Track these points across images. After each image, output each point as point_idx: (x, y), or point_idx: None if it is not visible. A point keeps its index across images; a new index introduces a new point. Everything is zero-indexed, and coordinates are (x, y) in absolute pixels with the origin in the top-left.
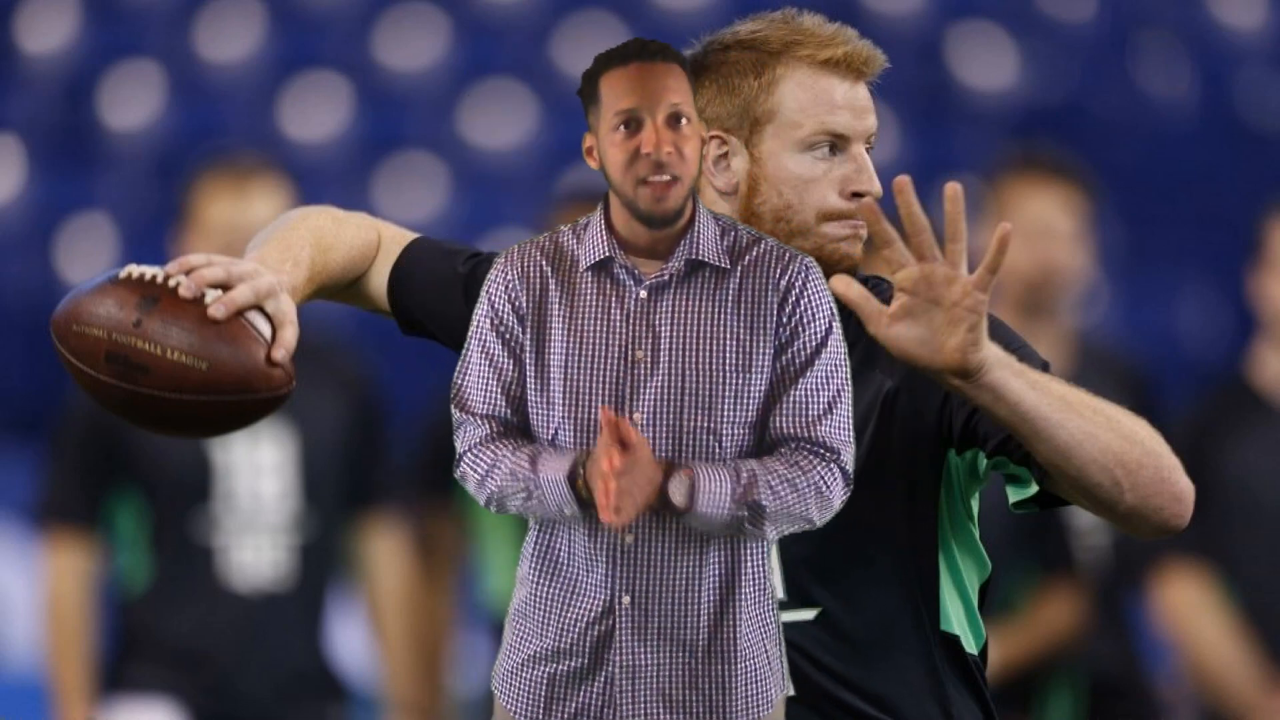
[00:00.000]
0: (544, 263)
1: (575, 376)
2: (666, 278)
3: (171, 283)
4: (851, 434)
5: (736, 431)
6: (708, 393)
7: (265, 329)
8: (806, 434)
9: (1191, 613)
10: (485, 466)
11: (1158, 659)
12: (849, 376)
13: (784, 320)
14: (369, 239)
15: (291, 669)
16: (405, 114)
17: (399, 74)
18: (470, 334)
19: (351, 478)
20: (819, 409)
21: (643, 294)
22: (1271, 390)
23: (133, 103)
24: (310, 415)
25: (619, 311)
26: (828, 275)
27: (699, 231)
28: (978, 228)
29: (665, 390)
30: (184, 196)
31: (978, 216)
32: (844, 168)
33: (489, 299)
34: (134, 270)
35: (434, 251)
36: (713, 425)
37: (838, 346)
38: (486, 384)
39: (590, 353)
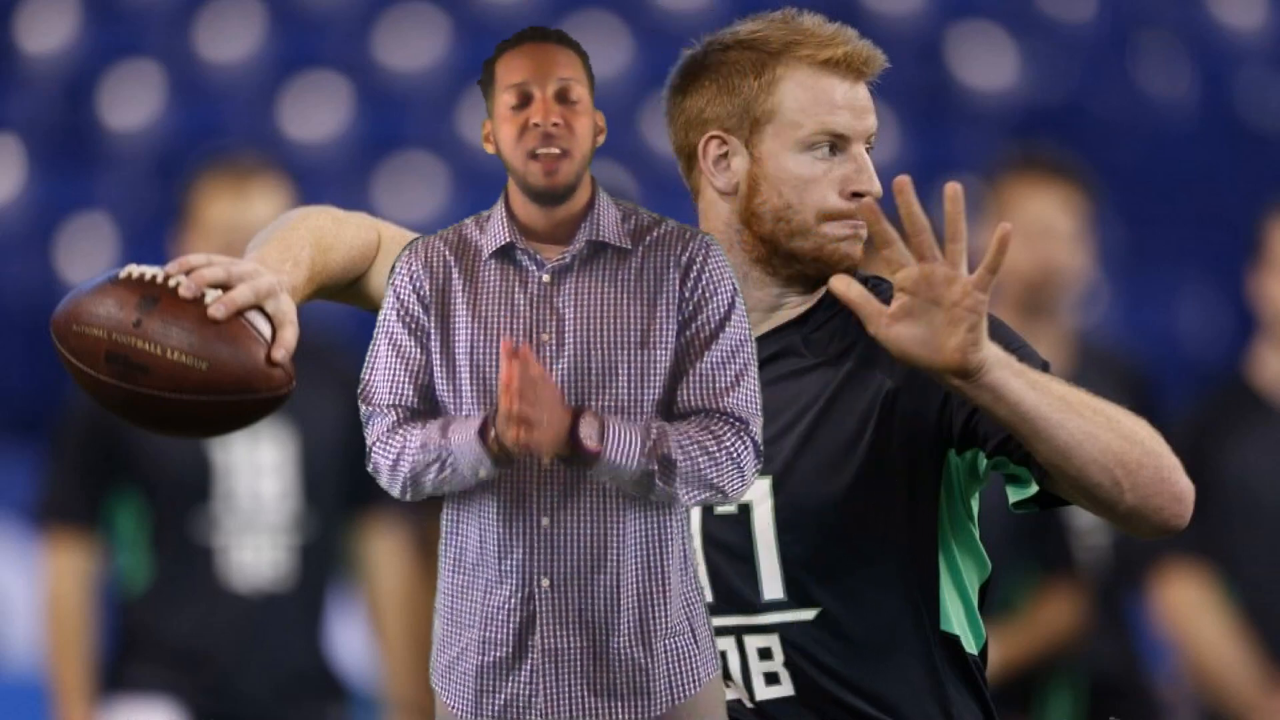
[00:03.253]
0: (446, 252)
1: (482, 363)
2: (568, 260)
3: (171, 283)
4: (759, 406)
5: (640, 410)
6: (609, 371)
7: (265, 329)
8: (714, 405)
9: (1191, 613)
10: (395, 451)
11: (1158, 659)
12: (754, 351)
13: (686, 295)
14: (369, 239)
15: (291, 669)
16: (405, 114)
17: (399, 74)
18: (377, 329)
19: (351, 478)
20: (726, 382)
21: (545, 278)
22: (1271, 390)
23: (133, 103)
24: (310, 415)
25: (522, 296)
26: (828, 275)
27: (599, 214)
28: (978, 228)
29: (569, 371)
30: (184, 196)
31: (978, 216)
32: (844, 168)
33: (394, 291)
34: (134, 270)
35: None
36: (615, 404)
37: (741, 321)
38: (394, 375)
39: (495, 338)
